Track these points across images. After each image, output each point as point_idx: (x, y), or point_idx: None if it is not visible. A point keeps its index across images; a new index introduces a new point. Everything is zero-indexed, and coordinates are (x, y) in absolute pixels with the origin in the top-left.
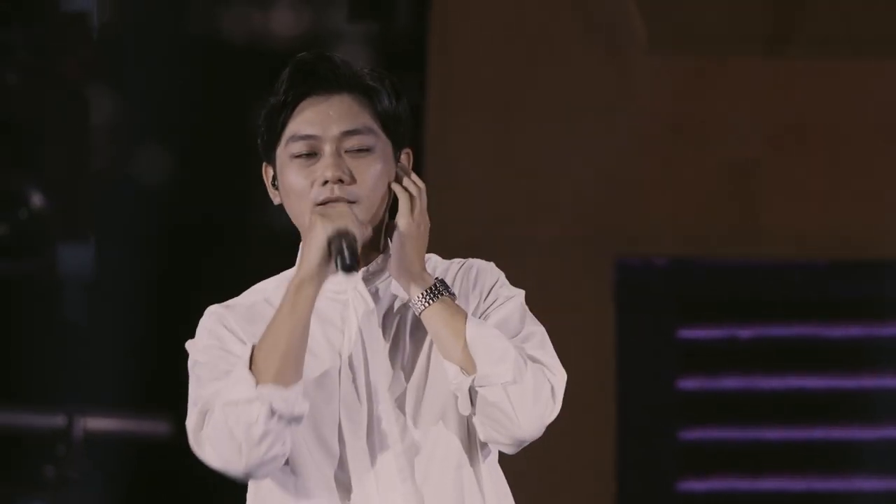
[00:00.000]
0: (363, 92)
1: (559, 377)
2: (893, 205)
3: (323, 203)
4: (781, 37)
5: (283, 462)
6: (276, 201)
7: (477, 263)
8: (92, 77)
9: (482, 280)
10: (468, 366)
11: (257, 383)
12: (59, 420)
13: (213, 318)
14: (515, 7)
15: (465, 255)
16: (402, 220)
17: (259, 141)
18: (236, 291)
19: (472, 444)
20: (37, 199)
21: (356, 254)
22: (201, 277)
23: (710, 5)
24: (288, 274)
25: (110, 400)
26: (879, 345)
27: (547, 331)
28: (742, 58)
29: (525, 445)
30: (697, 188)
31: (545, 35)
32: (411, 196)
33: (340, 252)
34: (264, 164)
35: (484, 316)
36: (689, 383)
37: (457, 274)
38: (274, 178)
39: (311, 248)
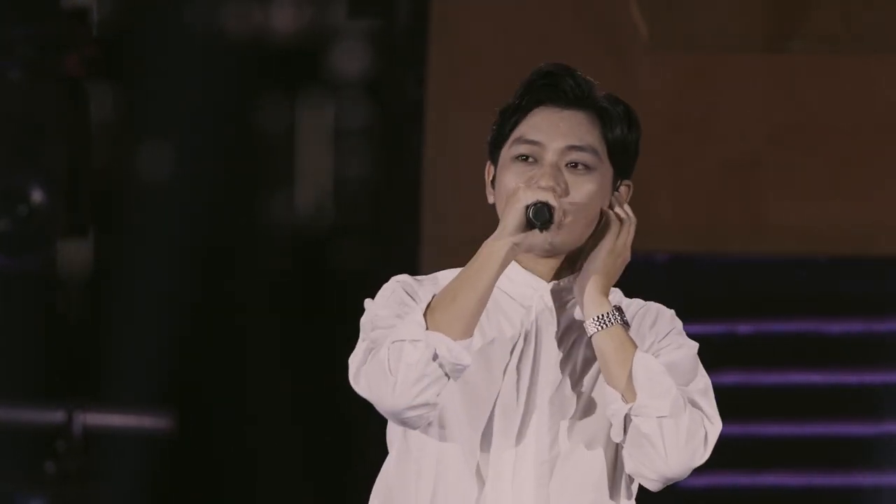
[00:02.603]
0: (597, 113)
1: (715, 427)
2: (894, 200)
3: None
4: (783, 34)
5: (428, 418)
6: (491, 200)
7: (657, 307)
8: (93, 73)
9: (661, 324)
10: (629, 394)
11: (427, 328)
12: (59, 416)
13: (400, 285)
14: (516, 4)
15: (465, 253)
16: (605, 243)
17: (489, 139)
18: (240, 288)
19: (616, 477)
20: (37, 196)
21: (552, 216)
22: (202, 274)
23: (710, 3)
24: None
25: (110, 395)
26: (880, 340)
27: None
28: (743, 55)
29: (669, 484)
30: (699, 185)
31: (546, 32)
32: (621, 224)
33: (537, 210)
34: (488, 163)
35: (655, 354)
36: None
37: (636, 312)
38: (494, 178)
39: (510, 212)
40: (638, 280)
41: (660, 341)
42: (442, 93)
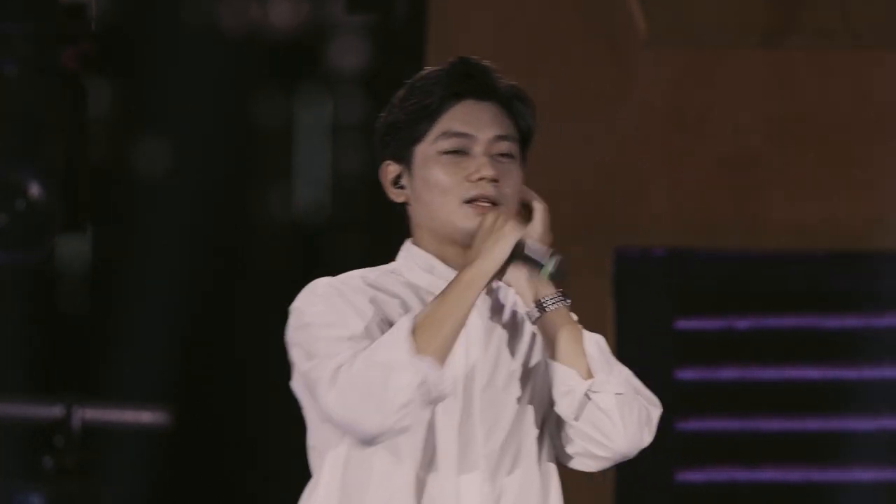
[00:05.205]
0: (510, 106)
1: (658, 410)
2: (891, 196)
3: (473, 200)
4: (780, 29)
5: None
6: (398, 200)
7: None
8: (90, 69)
9: None
10: (584, 371)
11: (416, 353)
12: (57, 411)
13: (329, 290)
14: (515, 0)
15: None
16: (535, 230)
17: (386, 138)
18: (234, 282)
19: (549, 456)
20: (35, 191)
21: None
22: (199, 269)
23: None
24: (388, 268)
25: (109, 391)
26: (876, 336)
27: None
28: (740, 50)
29: (614, 464)
30: (696, 180)
31: (544, 27)
32: (543, 211)
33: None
34: (385, 163)
35: None
36: (686, 374)
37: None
38: (398, 177)
39: (499, 246)
40: (635, 275)
41: None
42: None
